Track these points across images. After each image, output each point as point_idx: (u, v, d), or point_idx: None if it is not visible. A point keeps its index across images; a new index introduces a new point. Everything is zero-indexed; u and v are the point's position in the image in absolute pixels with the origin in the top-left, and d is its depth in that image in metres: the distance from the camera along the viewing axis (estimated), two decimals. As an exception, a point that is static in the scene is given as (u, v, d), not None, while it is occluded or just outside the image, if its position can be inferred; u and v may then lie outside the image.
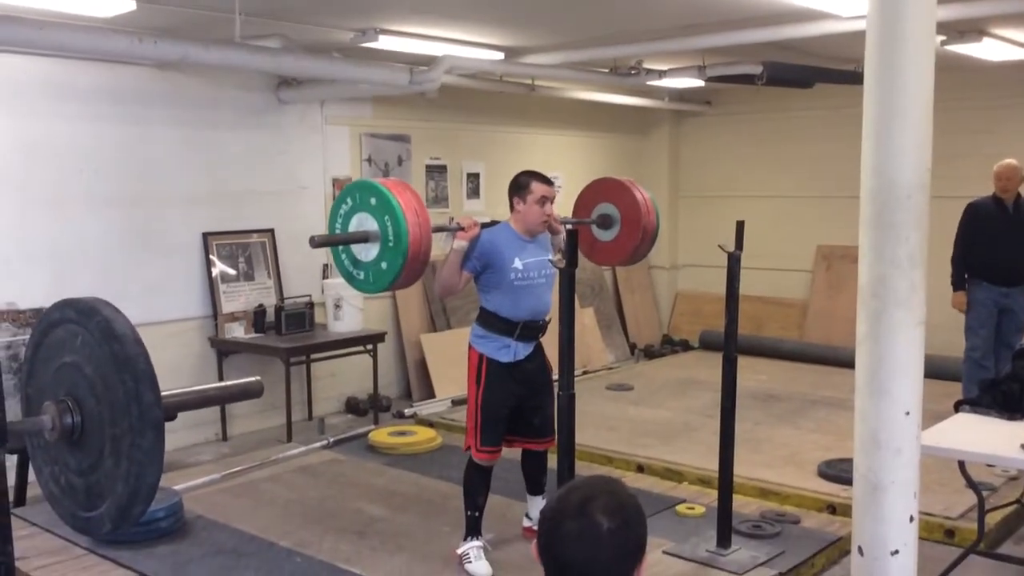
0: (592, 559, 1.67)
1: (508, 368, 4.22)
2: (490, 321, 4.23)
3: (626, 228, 4.83)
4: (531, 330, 4.26)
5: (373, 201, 3.77)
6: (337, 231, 3.92)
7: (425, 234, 3.74)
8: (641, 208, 4.79)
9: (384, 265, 3.76)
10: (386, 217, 3.72)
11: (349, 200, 3.88)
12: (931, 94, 2.42)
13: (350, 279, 3.97)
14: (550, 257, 4.14)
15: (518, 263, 4.16)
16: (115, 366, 2.13)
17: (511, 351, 4.22)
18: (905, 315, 2.44)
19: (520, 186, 4.24)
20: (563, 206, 9.53)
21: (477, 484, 4.29)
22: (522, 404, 4.29)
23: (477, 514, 4.29)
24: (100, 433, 2.18)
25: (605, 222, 4.89)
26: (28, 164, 5.83)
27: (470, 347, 4.31)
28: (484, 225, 4.22)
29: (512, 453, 4.50)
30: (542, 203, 4.19)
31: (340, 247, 3.91)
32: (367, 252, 3.83)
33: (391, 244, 3.72)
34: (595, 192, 4.99)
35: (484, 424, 4.22)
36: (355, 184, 4.00)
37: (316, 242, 3.78)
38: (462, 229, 4.10)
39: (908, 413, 2.46)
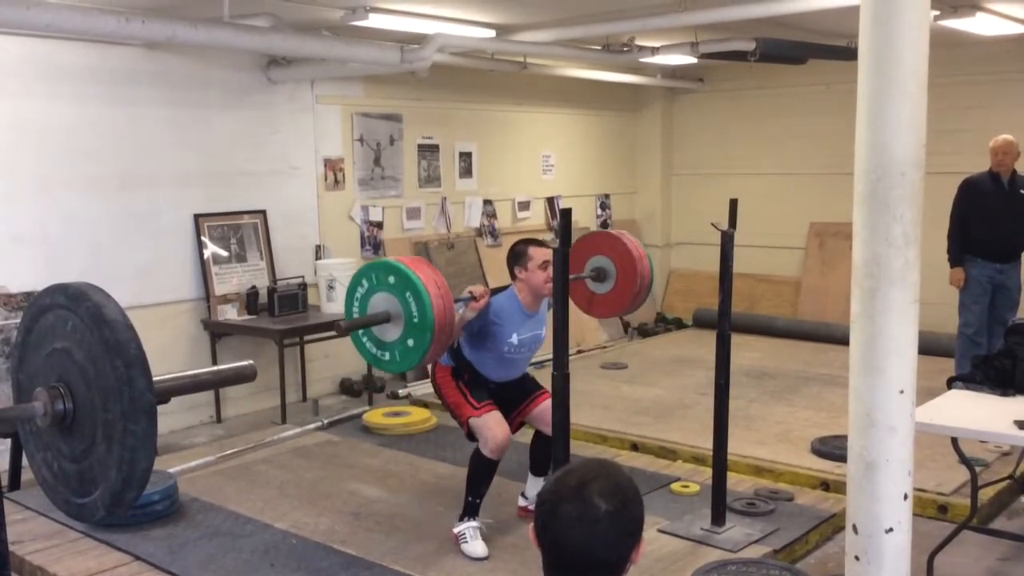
0: (590, 541, 1.67)
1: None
2: (463, 365, 4.33)
3: (621, 278, 4.85)
4: (501, 385, 4.39)
5: (392, 280, 3.74)
6: (355, 315, 3.90)
7: (448, 306, 3.74)
8: (634, 256, 4.82)
9: (411, 343, 3.73)
10: (408, 294, 3.69)
11: (365, 282, 3.85)
12: (925, 69, 2.39)
13: (376, 362, 3.98)
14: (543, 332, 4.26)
15: (515, 339, 4.25)
16: (106, 352, 2.10)
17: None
18: (899, 294, 2.43)
19: (519, 255, 4.28)
20: (558, 185, 9.57)
21: (483, 474, 4.30)
22: (502, 389, 4.41)
23: (478, 501, 4.32)
24: (92, 419, 2.16)
25: (600, 275, 4.92)
26: (16, 146, 5.78)
27: (436, 365, 4.37)
28: (494, 291, 4.27)
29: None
30: (544, 267, 4.19)
31: (361, 331, 3.90)
32: (390, 332, 3.81)
33: (416, 320, 3.69)
34: (586, 246, 5.00)
35: (471, 390, 4.29)
36: (370, 265, 3.95)
37: (343, 328, 3.80)
38: (475, 299, 4.08)
39: (902, 391, 2.46)
